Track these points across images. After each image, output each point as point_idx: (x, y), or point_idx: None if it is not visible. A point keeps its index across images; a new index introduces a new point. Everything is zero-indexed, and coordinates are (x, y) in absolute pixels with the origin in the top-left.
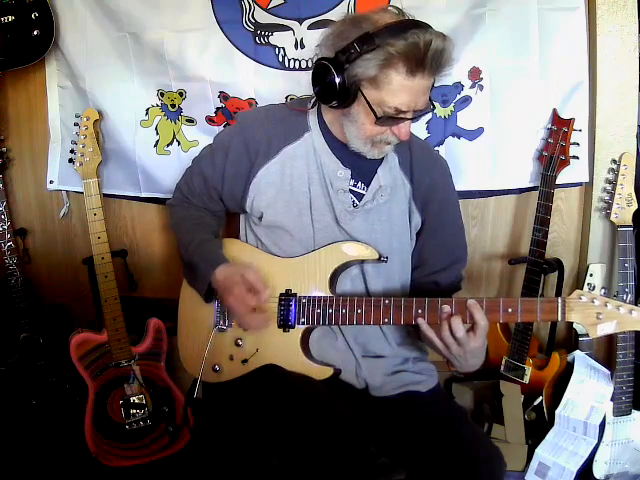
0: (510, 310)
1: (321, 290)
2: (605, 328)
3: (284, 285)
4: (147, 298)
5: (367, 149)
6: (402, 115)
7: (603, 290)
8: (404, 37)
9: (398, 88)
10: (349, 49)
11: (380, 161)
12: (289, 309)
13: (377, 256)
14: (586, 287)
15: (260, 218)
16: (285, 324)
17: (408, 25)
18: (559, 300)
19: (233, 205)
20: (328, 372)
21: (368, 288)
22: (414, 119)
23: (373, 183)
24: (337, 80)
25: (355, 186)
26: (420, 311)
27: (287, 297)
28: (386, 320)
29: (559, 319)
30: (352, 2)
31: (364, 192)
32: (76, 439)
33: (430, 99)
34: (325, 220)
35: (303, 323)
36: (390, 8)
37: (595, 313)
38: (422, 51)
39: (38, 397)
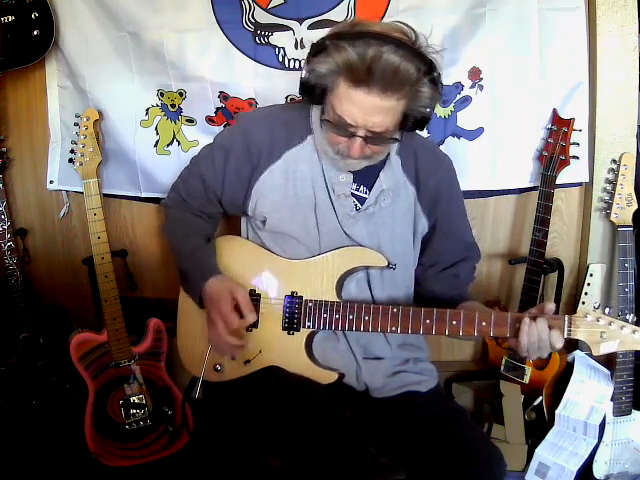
0: (518, 325)
1: (328, 294)
2: (607, 347)
3: (289, 287)
4: (147, 298)
5: (338, 158)
6: (350, 128)
7: (608, 309)
8: (354, 45)
9: (343, 95)
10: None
11: (383, 164)
12: (294, 312)
13: (385, 263)
14: (586, 287)
15: (263, 222)
16: (290, 327)
17: (364, 35)
18: (565, 318)
19: (233, 209)
20: (333, 377)
21: (372, 292)
22: (369, 141)
23: (375, 187)
24: (303, 73)
25: (357, 190)
26: (428, 321)
27: (293, 299)
28: (393, 329)
29: (564, 336)
30: (352, 2)
31: (367, 196)
32: (76, 439)
33: (400, 131)
34: (331, 224)
35: (309, 327)
36: (398, 23)
37: (599, 332)
38: (367, 64)
39: (38, 397)
